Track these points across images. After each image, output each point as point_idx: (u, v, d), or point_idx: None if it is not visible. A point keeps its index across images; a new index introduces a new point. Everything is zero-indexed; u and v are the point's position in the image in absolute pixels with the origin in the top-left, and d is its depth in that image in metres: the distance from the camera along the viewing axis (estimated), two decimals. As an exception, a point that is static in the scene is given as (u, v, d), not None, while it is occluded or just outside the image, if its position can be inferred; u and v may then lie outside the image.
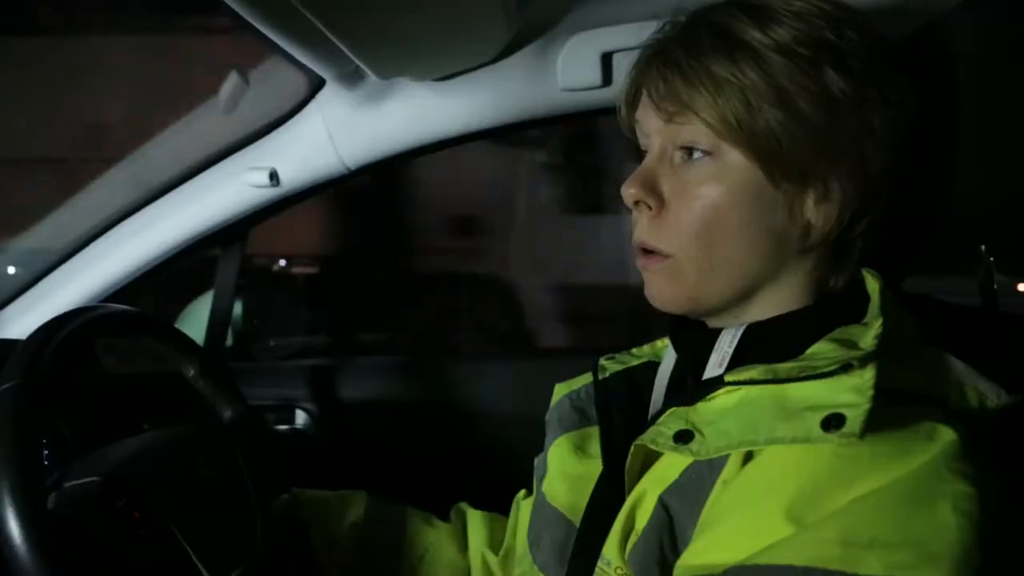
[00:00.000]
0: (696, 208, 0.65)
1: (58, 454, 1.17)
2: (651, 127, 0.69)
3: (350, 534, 1.04)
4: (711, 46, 0.64)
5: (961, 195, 0.76)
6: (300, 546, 1.02)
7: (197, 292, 1.59)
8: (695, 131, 0.65)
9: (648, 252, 0.69)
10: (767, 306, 0.69)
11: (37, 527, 0.66)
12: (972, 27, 0.76)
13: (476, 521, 1.06)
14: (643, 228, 0.69)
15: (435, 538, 1.06)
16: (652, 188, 0.67)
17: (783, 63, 0.62)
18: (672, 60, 0.66)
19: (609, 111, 0.80)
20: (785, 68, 0.62)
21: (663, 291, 0.69)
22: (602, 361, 0.87)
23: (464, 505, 1.11)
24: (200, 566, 0.81)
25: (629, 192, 0.68)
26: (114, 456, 0.86)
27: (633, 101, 0.73)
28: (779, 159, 0.63)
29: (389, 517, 1.08)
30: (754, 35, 0.63)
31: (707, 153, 0.65)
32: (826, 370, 0.55)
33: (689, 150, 0.66)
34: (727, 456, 0.58)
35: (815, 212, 0.65)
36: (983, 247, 0.83)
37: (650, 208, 0.68)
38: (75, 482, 0.79)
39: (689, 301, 0.69)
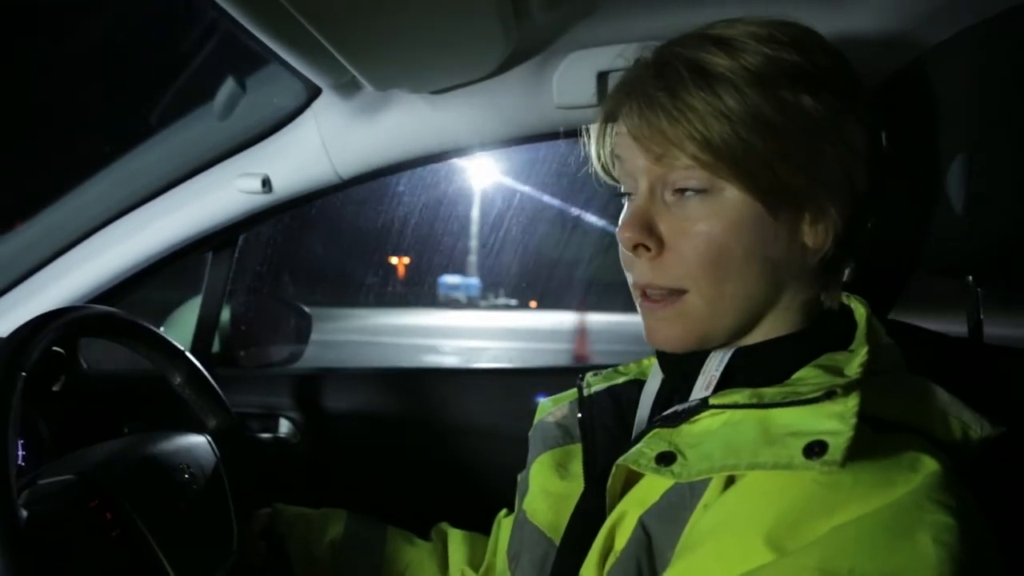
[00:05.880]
0: (700, 245, 0.64)
1: (35, 455, 1.16)
2: (636, 167, 0.68)
3: (329, 551, 1.03)
4: (691, 81, 0.63)
5: (949, 227, 0.77)
6: (278, 560, 1.01)
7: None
8: (687, 169, 0.64)
9: (650, 296, 0.69)
10: (763, 330, 0.69)
11: (5, 520, 0.65)
12: (959, 63, 0.77)
13: (457, 540, 1.05)
14: (644, 271, 0.68)
15: (415, 556, 1.05)
16: (650, 230, 0.66)
17: (761, 91, 0.62)
18: (655, 100, 0.65)
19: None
20: (763, 96, 0.62)
21: (671, 333, 0.68)
22: (587, 377, 0.87)
23: (445, 525, 1.10)
24: (170, 570, 0.80)
25: (626, 236, 0.67)
26: (91, 457, 0.85)
27: (607, 138, 0.73)
28: (775, 188, 0.63)
29: (369, 535, 1.07)
30: (730, 66, 0.63)
31: (701, 191, 0.64)
32: (810, 396, 0.55)
33: (682, 188, 0.65)
34: (709, 480, 0.58)
35: (811, 234, 0.65)
36: (970, 278, 0.83)
37: (649, 250, 0.67)
38: (49, 479, 0.79)
39: (698, 340, 0.68)
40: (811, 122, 0.62)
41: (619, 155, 0.71)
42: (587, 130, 0.78)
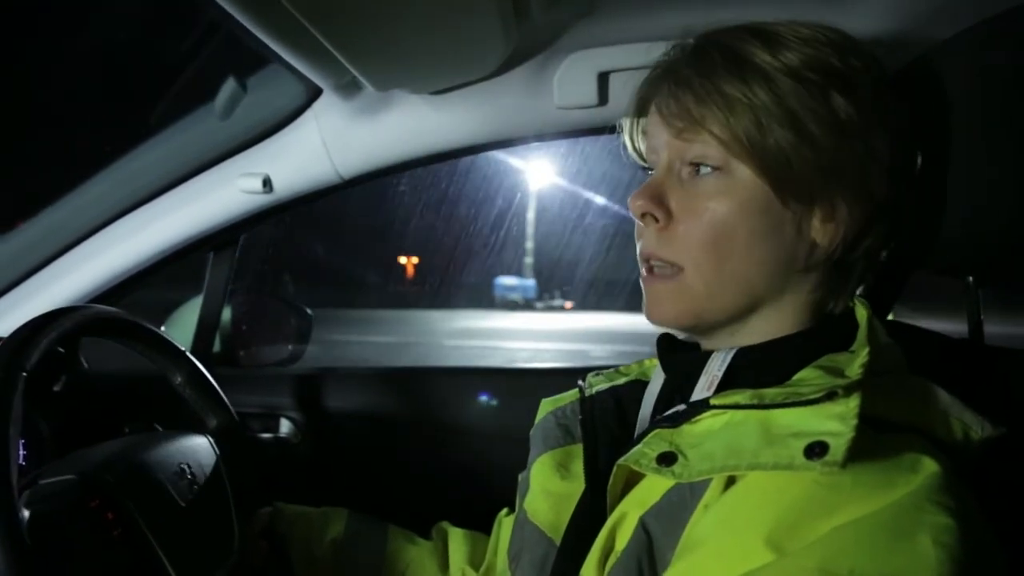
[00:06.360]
0: (705, 222, 0.66)
1: (36, 455, 1.16)
2: (659, 141, 0.70)
3: (330, 550, 1.03)
4: (723, 67, 0.65)
5: (951, 227, 0.77)
6: (280, 560, 1.01)
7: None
8: (705, 146, 0.66)
9: (651, 271, 0.70)
10: (765, 326, 0.69)
11: (5, 519, 0.65)
12: (959, 63, 0.77)
13: (457, 539, 1.05)
14: (650, 240, 0.70)
15: (416, 555, 1.05)
16: (660, 201, 0.68)
17: (793, 86, 0.63)
18: (683, 79, 0.67)
19: (604, 130, 0.81)
20: (794, 91, 0.63)
21: (667, 308, 0.70)
22: (589, 377, 0.87)
23: (445, 524, 1.10)
24: (172, 570, 0.80)
25: (637, 204, 0.69)
26: (92, 457, 0.85)
27: (639, 118, 0.75)
28: (788, 178, 0.64)
29: (370, 534, 1.07)
30: (764, 58, 0.65)
31: (716, 168, 0.66)
32: (811, 397, 0.55)
33: (697, 166, 0.67)
34: (709, 480, 0.58)
35: (820, 231, 0.66)
36: (971, 279, 0.83)
37: (657, 220, 0.68)
38: (51, 479, 0.79)
39: (693, 318, 0.69)
40: (836, 122, 0.64)
41: (646, 131, 0.73)
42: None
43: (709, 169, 0.66)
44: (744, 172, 0.65)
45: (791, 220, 0.66)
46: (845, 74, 0.65)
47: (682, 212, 0.68)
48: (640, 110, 0.74)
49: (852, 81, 0.65)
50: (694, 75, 0.66)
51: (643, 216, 0.69)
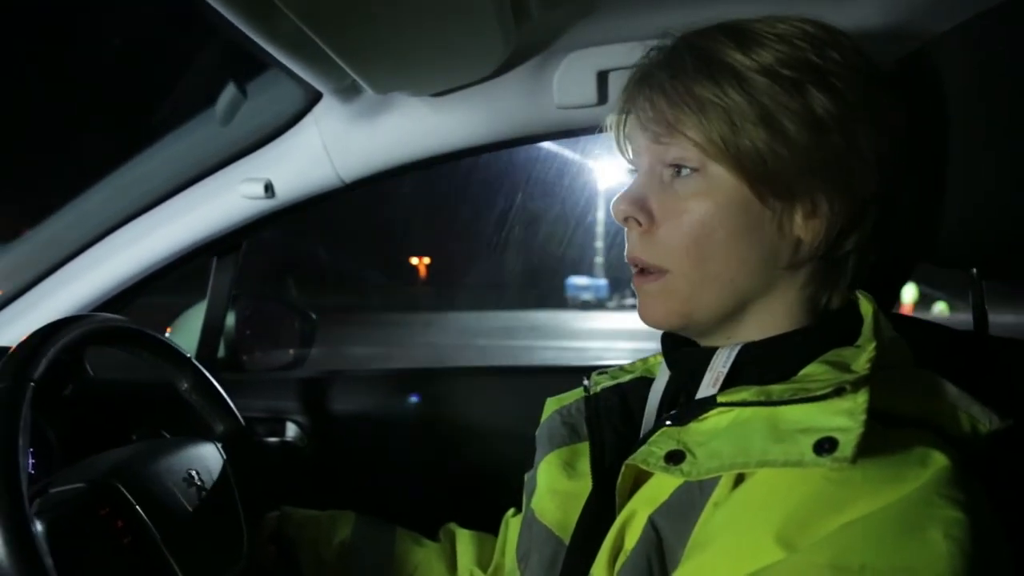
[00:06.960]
0: (684, 223, 0.67)
1: (45, 463, 1.16)
2: (640, 146, 0.71)
3: (338, 553, 1.04)
4: (694, 69, 0.66)
5: (953, 219, 0.77)
6: (288, 563, 1.02)
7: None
8: (682, 149, 0.66)
9: (642, 271, 0.71)
10: (759, 324, 0.69)
11: (17, 528, 0.66)
12: (962, 53, 0.77)
13: (465, 540, 1.05)
14: (634, 244, 0.71)
15: (424, 557, 1.05)
16: (642, 205, 0.69)
17: (766, 84, 0.63)
18: (657, 84, 0.68)
19: (604, 129, 0.81)
20: (768, 89, 0.63)
21: (655, 309, 0.70)
22: (594, 376, 0.87)
23: (453, 525, 1.10)
24: None
25: (619, 208, 0.70)
26: (101, 465, 0.85)
27: (624, 123, 0.75)
28: (764, 176, 0.64)
29: (378, 537, 1.07)
30: (737, 57, 0.65)
31: (695, 170, 0.66)
32: (819, 393, 0.55)
33: (677, 167, 0.68)
34: (718, 478, 0.58)
35: (804, 228, 0.66)
36: (974, 271, 0.83)
37: (640, 224, 0.69)
38: (61, 488, 0.79)
39: (681, 317, 0.70)
40: (813, 118, 0.63)
41: (628, 135, 0.74)
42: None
43: (688, 171, 0.67)
44: (721, 172, 0.65)
45: (771, 218, 0.66)
46: (823, 69, 0.64)
47: (663, 214, 0.68)
48: (624, 116, 0.75)
49: (831, 75, 0.64)
50: (667, 79, 0.67)
51: (625, 220, 0.70)
